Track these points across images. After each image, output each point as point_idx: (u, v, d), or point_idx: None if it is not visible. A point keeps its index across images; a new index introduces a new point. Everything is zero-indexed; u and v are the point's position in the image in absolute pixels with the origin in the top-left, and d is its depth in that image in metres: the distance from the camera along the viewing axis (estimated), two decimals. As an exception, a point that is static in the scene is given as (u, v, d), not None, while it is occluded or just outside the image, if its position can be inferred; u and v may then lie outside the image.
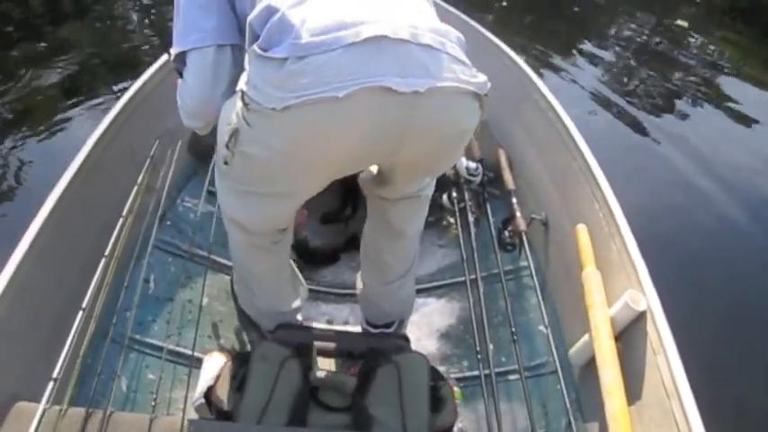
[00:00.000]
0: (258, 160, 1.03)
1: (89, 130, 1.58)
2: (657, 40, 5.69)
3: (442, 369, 1.49)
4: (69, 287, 1.35)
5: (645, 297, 1.24)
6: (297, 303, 1.54)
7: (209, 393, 1.21)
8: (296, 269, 1.57)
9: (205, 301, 1.50)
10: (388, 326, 1.61)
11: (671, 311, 1.21)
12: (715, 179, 3.20)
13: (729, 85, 4.70)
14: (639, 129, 3.81)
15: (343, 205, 2.05)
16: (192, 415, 1.19)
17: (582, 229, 1.53)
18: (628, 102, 4.21)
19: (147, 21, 4.70)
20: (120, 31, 4.66)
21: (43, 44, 4.21)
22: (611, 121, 3.87)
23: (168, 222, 1.89)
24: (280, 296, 1.49)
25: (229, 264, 1.72)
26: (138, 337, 1.53)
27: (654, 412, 1.12)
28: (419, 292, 1.73)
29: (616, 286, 1.35)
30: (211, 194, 1.76)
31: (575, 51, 5.02)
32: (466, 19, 2.40)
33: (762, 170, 3.44)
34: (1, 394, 1.12)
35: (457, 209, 1.95)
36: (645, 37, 5.71)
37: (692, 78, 4.77)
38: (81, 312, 1.24)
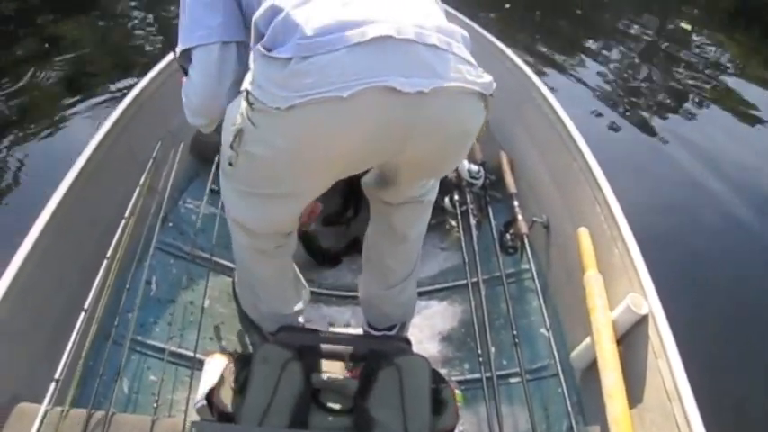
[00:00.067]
0: (262, 160, 1.03)
1: (91, 130, 1.59)
2: (660, 40, 5.67)
3: (443, 371, 1.49)
4: (71, 288, 1.35)
5: (646, 301, 1.24)
6: (299, 306, 1.54)
7: (210, 395, 1.21)
8: (298, 272, 1.57)
9: (207, 302, 1.50)
10: (389, 329, 1.61)
11: (673, 315, 1.21)
12: (718, 181, 3.19)
13: (733, 85, 4.68)
14: (641, 130, 3.80)
15: (345, 207, 2.05)
16: (194, 416, 1.19)
17: (583, 232, 1.53)
18: (630, 103, 4.21)
19: (149, 19, 4.72)
20: (122, 29, 4.67)
21: (44, 42, 4.21)
22: (613, 122, 3.86)
23: (170, 224, 1.90)
24: (282, 299, 1.49)
25: (231, 265, 1.72)
26: (139, 338, 1.53)
27: (655, 415, 1.12)
28: (421, 294, 1.73)
29: (618, 289, 1.35)
30: (214, 196, 1.77)
31: (577, 53, 5.01)
32: (467, 21, 2.41)
33: (767, 171, 3.42)
34: (3, 395, 1.12)
35: (459, 212, 1.95)
36: (647, 37, 5.70)
37: (694, 79, 4.75)
38: (83, 313, 1.24)
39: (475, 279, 1.70)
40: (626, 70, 4.96)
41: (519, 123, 2.09)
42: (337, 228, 2.05)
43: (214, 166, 1.80)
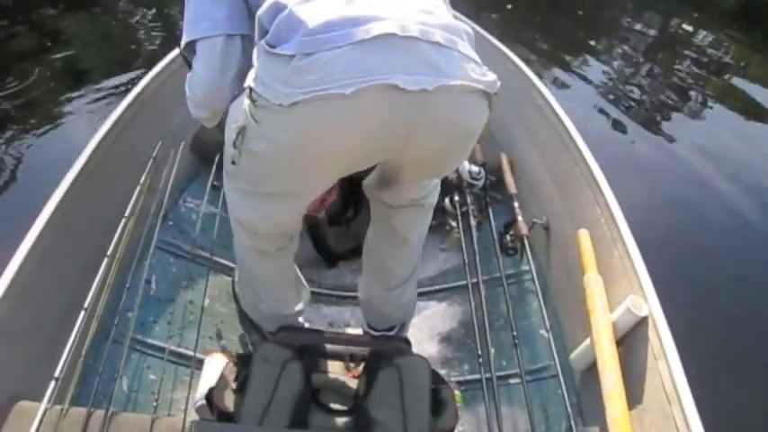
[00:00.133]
0: (265, 157, 1.03)
1: (92, 128, 1.59)
2: (661, 41, 5.68)
3: (443, 372, 1.50)
4: (71, 287, 1.35)
5: (646, 302, 1.24)
6: (299, 306, 1.54)
7: (210, 394, 1.21)
8: (299, 273, 1.57)
9: (207, 302, 1.50)
10: (389, 330, 1.61)
11: (672, 316, 1.21)
12: (718, 181, 3.18)
13: (734, 85, 4.68)
14: (642, 131, 3.80)
15: (345, 207, 2.05)
16: (194, 416, 1.19)
17: (584, 234, 1.53)
18: (630, 103, 4.20)
19: (150, 15, 4.70)
20: (123, 26, 4.66)
21: (45, 38, 4.21)
22: (613, 123, 3.85)
23: (170, 223, 1.90)
24: (283, 300, 1.49)
25: (231, 265, 1.72)
26: (139, 337, 1.53)
27: (655, 417, 1.12)
28: (421, 295, 1.73)
29: (618, 291, 1.35)
30: (214, 195, 1.77)
31: (578, 53, 5.02)
32: (467, 22, 2.41)
33: (768, 172, 3.42)
34: (2, 393, 1.12)
35: (459, 213, 1.95)
36: (648, 38, 5.71)
37: (696, 79, 4.75)
38: (83, 312, 1.24)
39: (475, 280, 1.70)
40: (627, 71, 4.95)
41: (519, 124, 2.09)
42: (337, 228, 2.05)
43: (215, 165, 1.80)
